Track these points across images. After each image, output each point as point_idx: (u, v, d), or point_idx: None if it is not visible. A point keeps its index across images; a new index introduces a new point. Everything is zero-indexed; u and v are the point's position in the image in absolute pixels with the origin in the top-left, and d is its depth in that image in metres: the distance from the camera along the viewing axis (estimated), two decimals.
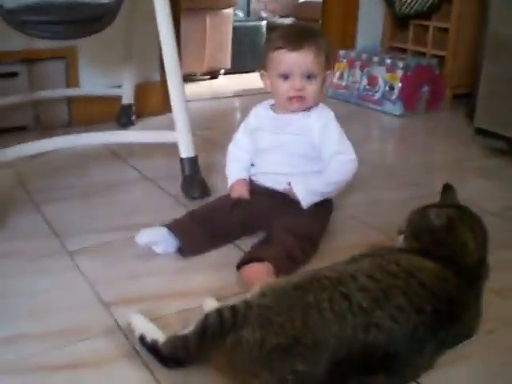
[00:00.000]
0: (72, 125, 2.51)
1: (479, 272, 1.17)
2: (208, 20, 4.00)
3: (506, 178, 2.07)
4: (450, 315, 1.06)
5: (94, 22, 1.69)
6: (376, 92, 2.94)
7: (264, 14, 6.40)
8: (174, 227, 1.44)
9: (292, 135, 1.50)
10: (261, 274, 1.27)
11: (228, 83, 4.02)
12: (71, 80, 2.49)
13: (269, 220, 1.46)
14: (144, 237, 1.41)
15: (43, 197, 1.78)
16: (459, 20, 2.91)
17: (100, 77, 2.54)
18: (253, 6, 6.73)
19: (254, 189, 1.57)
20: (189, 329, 1.04)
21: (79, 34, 1.71)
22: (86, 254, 1.45)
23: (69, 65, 2.48)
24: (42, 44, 2.31)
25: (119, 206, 1.75)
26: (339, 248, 1.47)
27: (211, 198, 1.69)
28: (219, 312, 1.03)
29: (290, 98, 1.48)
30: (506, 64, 2.21)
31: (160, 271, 1.39)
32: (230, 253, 1.46)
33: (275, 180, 1.53)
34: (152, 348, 1.06)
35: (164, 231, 1.43)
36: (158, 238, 1.43)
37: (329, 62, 1.52)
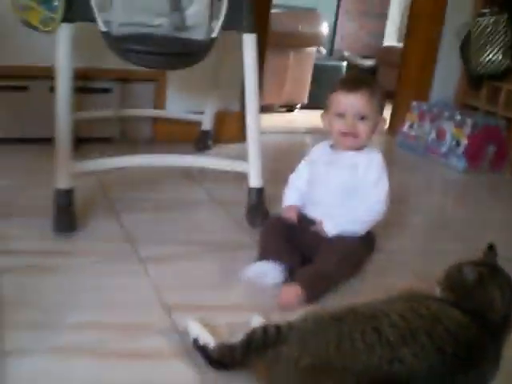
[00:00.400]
0: (154, 142, 2.72)
1: (503, 327, 1.28)
2: (291, 56, 4.20)
3: None
4: (468, 360, 1.17)
5: (189, 56, 1.89)
6: (443, 146, 3.04)
7: (346, 54, 6.57)
8: (274, 254, 1.59)
9: (341, 169, 1.68)
10: (290, 296, 1.46)
11: (302, 118, 4.19)
12: (158, 101, 2.72)
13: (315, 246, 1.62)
14: (255, 270, 1.57)
15: (121, 205, 1.98)
16: None
17: (185, 101, 2.76)
18: (336, 45, 6.93)
19: (301, 219, 1.72)
20: (237, 339, 1.20)
21: (175, 66, 1.93)
22: (154, 261, 1.62)
23: (158, 87, 2.70)
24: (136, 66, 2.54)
25: (189, 223, 1.93)
26: (378, 287, 1.58)
27: None
28: (265, 329, 1.19)
29: (344, 134, 1.65)
30: None
31: (220, 284, 1.56)
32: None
33: (320, 211, 1.69)
34: (203, 350, 1.22)
35: (272, 263, 1.57)
36: (266, 269, 1.57)
37: (382, 109, 1.69)
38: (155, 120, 2.73)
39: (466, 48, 3.23)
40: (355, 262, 1.64)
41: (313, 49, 4.44)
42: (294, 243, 1.65)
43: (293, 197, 1.78)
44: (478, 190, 2.79)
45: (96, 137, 2.59)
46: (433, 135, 3.11)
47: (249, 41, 1.91)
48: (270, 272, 1.56)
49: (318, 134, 3.38)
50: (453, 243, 2.00)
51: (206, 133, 2.71)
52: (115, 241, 1.73)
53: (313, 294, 1.49)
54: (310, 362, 1.09)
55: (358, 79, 1.72)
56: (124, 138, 2.70)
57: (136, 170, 2.24)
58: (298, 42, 4.25)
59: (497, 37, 3.09)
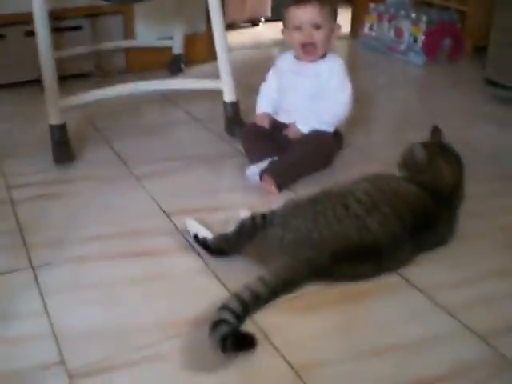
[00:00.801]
0: (128, 72, 2.86)
1: (452, 195, 1.51)
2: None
3: (507, 125, 2.35)
4: (424, 224, 1.42)
5: None
6: (402, 43, 3.21)
7: None
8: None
9: (306, 77, 1.88)
10: (266, 184, 1.73)
11: (267, 31, 4.28)
12: (128, 32, 2.84)
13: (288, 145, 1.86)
14: (253, 170, 1.79)
15: (110, 134, 2.16)
16: None
17: (153, 29, 2.88)
18: None
19: (274, 125, 1.94)
20: (230, 229, 1.42)
21: None
22: (149, 177, 1.83)
23: (126, 19, 2.82)
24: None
25: (174, 141, 2.13)
26: (348, 176, 1.74)
27: None
28: (252, 217, 1.42)
29: (303, 46, 1.84)
30: None
31: (210, 190, 1.78)
32: None
33: (291, 116, 1.90)
34: (203, 243, 1.45)
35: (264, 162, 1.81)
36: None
37: (335, 16, 1.87)
38: (127, 51, 2.86)
39: None
40: (326, 153, 1.87)
41: None
42: (271, 143, 1.87)
43: (264, 104, 1.98)
44: (437, 81, 2.99)
45: (73, 73, 2.72)
46: (391, 34, 3.27)
47: None
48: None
49: (284, 46, 3.53)
50: (414, 132, 2.19)
51: (177, 56, 2.85)
52: (111, 165, 1.92)
53: (282, 181, 1.75)
54: (293, 237, 1.33)
55: None
56: (100, 72, 2.84)
57: (116, 100, 2.38)
58: None
59: None
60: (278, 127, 1.92)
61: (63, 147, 1.93)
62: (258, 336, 1.14)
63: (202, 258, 1.43)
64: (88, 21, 2.75)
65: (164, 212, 1.64)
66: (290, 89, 1.92)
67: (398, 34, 3.24)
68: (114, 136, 2.14)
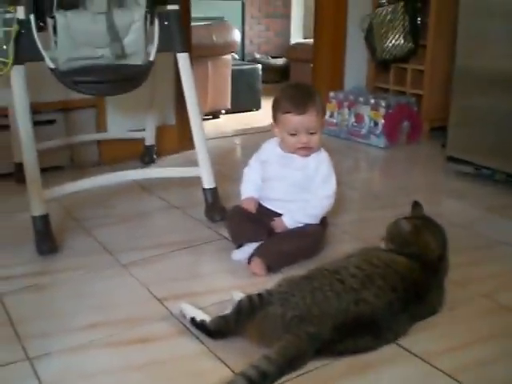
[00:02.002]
0: (101, 164, 2.90)
1: (440, 266, 1.57)
2: (210, 66, 4.43)
3: (473, 197, 2.47)
4: (416, 294, 1.46)
5: (132, 80, 2.09)
6: (362, 128, 3.37)
7: (257, 56, 6.88)
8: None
9: (294, 170, 1.89)
10: (257, 266, 1.75)
11: (229, 122, 4.43)
12: (100, 125, 2.90)
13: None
14: (240, 255, 1.83)
15: (90, 224, 2.17)
16: (433, 62, 3.37)
17: (125, 122, 2.95)
18: (247, 48, 7.23)
19: (260, 211, 1.95)
20: (227, 311, 1.43)
21: (119, 91, 2.12)
22: (136, 265, 1.83)
23: (98, 112, 2.89)
24: (76, 95, 2.71)
25: (156, 228, 2.16)
26: (335, 255, 1.84)
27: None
28: (249, 297, 1.43)
29: (299, 149, 1.87)
30: (472, 96, 2.63)
31: (199, 274, 1.79)
32: None
33: (277, 205, 1.93)
34: (201, 326, 1.45)
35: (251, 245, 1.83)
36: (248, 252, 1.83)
37: (323, 113, 1.91)
38: (100, 143, 2.91)
39: (371, 37, 3.57)
40: (316, 242, 1.89)
41: (228, 56, 4.68)
42: (258, 226, 1.89)
43: (249, 189, 1.99)
44: (400, 162, 3.13)
45: (47, 166, 2.72)
46: (352, 120, 3.43)
47: (183, 59, 2.15)
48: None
49: (246, 135, 3.65)
50: (385, 210, 2.29)
51: (149, 147, 2.91)
52: (95, 254, 1.92)
53: (272, 263, 1.77)
54: (293, 314, 1.34)
55: (304, 97, 1.84)
56: (74, 165, 2.86)
57: (93, 191, 2.41)
58: (214, 51, 4.49)
59: (396, 23, 3.45)
60: (263, 212, 1.94)
61: (46, 238, 1.92)
62: None
63: (201, 341, 1.43)
64: (61, 115, 2.80)
65: (155, 298, 1.64)
66: (275, 179, 1.93)
67: (359, 119, 3.39)
68: (94, 226, 2.15)
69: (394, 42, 3.47)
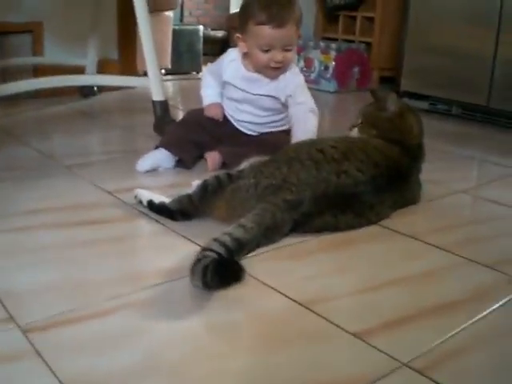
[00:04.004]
0: (37, 95, 2.65)
1: (419, 153, 1.46)
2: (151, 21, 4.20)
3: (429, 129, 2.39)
4: (399, 174, 1.34)
5: None
6: (312, 73, 3.25)
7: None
8: (171, 146, 1.63)
9: (263, 97, 1.66)
10: (212, 159, 1.59)
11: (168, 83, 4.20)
12: (37, 51, 2.65)
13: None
14: (147, 161, 1.60)
15: (29, 138, 1.93)
16: (383, 9, 3.28)
17: (63, 51, 2.71)
18: (186, 19, 7.02)
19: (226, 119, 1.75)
20: (191, 190, 1.27)
21: None
22: (80, 166, 1.63)
23: (35, 37, 2.63)
24: (11, 18, 2.48)
25: (100, 140, 1.95)
26: None
27: None
28: (216, 176, 1.28)
29: (270, 68, 1.60)
30: (427, 31, 2.57)
31: (150, 173, 1.60)
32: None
33: (246, 127, 1.73)
34: (161, 207, 1.27)
35: (164, 152, 1.61)
36: (161, 160, 1.61)
37: (300, 27, 1.62)
38: (36, 71, 2.66)
39: None
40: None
41: (170, 13, 4.48)
42: (212, 135, 1.69)
43: (212, 94, 1.74)
44: (351, 104, 3.02)
45: None
46: (301, 65, 3.31)
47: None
48: (161, 160, 1.61)
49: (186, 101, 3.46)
50: None
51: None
52: (35, 159, 1.70)
53: (231, 160, 1.55)
54: (268, 182, 1.19)
55: (283, 7, 1.55)
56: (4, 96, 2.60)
57: (30, 115, 2.21)
58: (155, 5, 4.27)
59: None
60: (229, 130, 1.72)
61: None
62: (249, 280, 0.98)
63: (161, 223, 1.25)
64: None
65: (105, 190, 1.45)
66: (242, 102, 1.70)
67: (308, 63, 3.28)
68: (34, 140, 1.91)
69: None
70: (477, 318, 0.93)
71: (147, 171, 1.59)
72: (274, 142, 1.59)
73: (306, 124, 1.58)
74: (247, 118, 1.72)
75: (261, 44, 1.57)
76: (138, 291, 0.97)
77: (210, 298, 0.94)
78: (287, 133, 1.70)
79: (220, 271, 0.93)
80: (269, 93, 1.66)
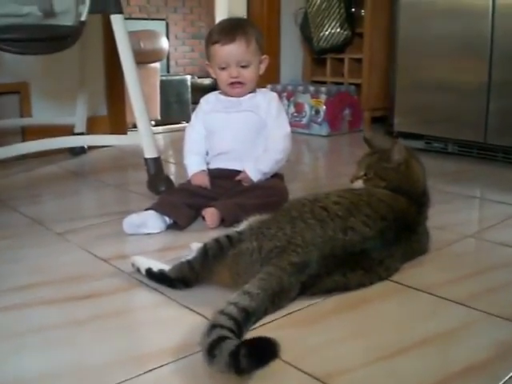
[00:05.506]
0: (26, 156, 2.60)
1: (424, 200, 1.40)
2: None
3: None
4: (407, 225, 1.28)
5: (60, 40, 1.87)
6: (303, 117, 3.23)
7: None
8: (163, 208, 1.57)
9: (244, 112, 1.70)
10: (210, 215, 1.55)
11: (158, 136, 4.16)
12: (25, 112, 2.61)
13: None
14: (133, 220, 1.54)
15: (17, 203, 1.87)
16: (371, 50, 3.29)
17: (51, 110, 2.68)
18: (173, 69, 7.06)
19: (212, 175, 1.72)
20: (191, 256, 1.21)
21: (48, 50, 1.89)
22: (72, 233, 1.57)
23: (22, 98, 2.60)
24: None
25: (92, 203, 1.92)
26: None
27: None
28: (216, 239, 1.21)
29: (231, 84, 1.69)
30: (417, 69, 2.56)
31: (145, 235, 1.54)
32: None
33: (228, 159, 1.71)
34: (160, 276, 1.21)
35: (152, 212, 1.56)
36: (147, 220, 1.55)
37: (262, 48, 1.71)
38: (25, 132, 2.62)
39: (306, 27, 3.47)
40: (280, 196, 1.65)
41: (157, 64, 4.49)
42: (207, 197, 1.65)
43: (196, 162, 1.74)
44: (345, 147, 3.00)
45: None
46: (292, 110, 3.28)
47: (117, 21, 1.94)
48: (149, 221, 1.55)
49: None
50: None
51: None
52: (24, 226, 1.65)
53: (229, 215, 1.54)
54: (272, 245, 1.13)
55: (232, 26, 1.68)
56: None
57: (18, 177, 2.16)
58: (142, 58, 4.28)
59: (332, 11, 3.37)
60: (216, 181, 1.70)
61: None
62: None
63: (161, 292, 1.19)
64: None
65: (99, 258, 1.39)
66: (223, 128, 1.72)
67: (299, 108, 3.26)
68: (23, 204, 1.85)
69: (330, 30, 3.39)
70: (504, 380, 0.86)
71: (135, 233, 1.53)
72: (270, 187, 1.67)
73: (277, 148, 1.69)
74: (227, 148, 1.72)
75: (218, 62, 1.68)
76: (142, 375, 0.90)
77: (222, 375, 0.87)
78: (280, 178, 1.76)
79: (254, 352, 0.84)
80: (249, 108, 1.71)
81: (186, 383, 0.88)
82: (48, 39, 1.86)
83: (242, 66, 1.68)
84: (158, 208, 1.57)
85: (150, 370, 0.91)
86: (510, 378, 0.87)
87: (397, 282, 1.22)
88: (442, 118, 2.53)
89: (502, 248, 1.44)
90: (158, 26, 6.57)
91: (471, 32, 2.38)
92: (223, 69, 1.68)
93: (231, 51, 1.66)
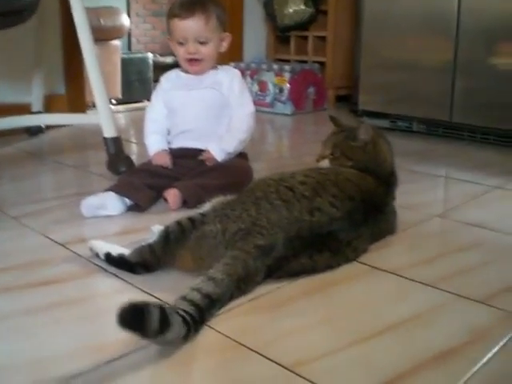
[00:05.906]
0: None
1: (391, 180, 1.38)
2: (98, 51, 4.09)
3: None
4: (374, 206, 1.26)
5: (16, 14, 1.79)
6: (267, 96, 3.18)
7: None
8: (122, 189, 1.52)
9: (205, 89, 1.66)
10: (172, 196, 1.51)
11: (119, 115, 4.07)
12: None
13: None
14: (91, 202, 1.48)
15: None
16: (335, 28, 3.25)
17: (7, 86, 2.57)
18: (134, 47, 6.92)
19: (174, 154, 1.68)
20: (152, 239, 1.16)
21: (2, 26, 1.80)
22: (28, 216, 1.50)
23: None
24: None
25: (49, 184, 1.84)
26: None
27: None
28: (178, 222, 1.17)
29: (188, 61, 1.65)
30: (382, 47, 2.53)
31: (105, 218, 1.49)
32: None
33: (190, 137, 1.67)
34: (119, 260, 1.16)
35: (111, 194, 1.50)
36: (106, 202, 1.49)
37: (223, 25, 1.68)
38: None
39: (270, 5, 3.41)
40: (245, 176, 1.63)
41: (117, 42, 4.37)
42: (169, 177, 1.61)
43: (156, 141, 1.69)
44: (310, 126, 2.96)
45: None
46: (256, 89, 3.23)
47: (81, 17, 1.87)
48: (108, 203, 1.50)
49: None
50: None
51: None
52: None
53: (192, 196, 1.50)
54: (237, 227, 1.09)
55: (191, 2, 1.64)
56: None
57: None
58: (102, 35, 4.16)
59: None
60: (179, 161, 1.66)
61: None
62: (225, 343, 0.88)
63: (120, 278, 1.14)
64: None
65: (56, 242, 1.32)
66: (185, 106, 1.67)
67: (262, 87, 3.21)
68: None
69: (294, 7, 3.33)
70: (478, 365, 0.84)
71: (94, 216, 1.48)
72: (234, 166, 1.64)
73: (241, 127, 1.66)
74: (190, 126, 1.67)
75: (176, 37, 1.64)
76: (101, 366, 0.85)
77: (184, 366, 0.83)
78: (244, 157, 1.73)
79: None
80: (211, 85, 1.67)
81: (147, 373, 0.84)
82: (3, 14, 1.77)
83: (201, 43, 1.64)
84: (118, 189, 1.52)
85: (110, 361, 0.86)
86: (486, 361, 0.85)
87: (365, 264, 1.19)
88: (408, 96, 2.51)
89: (469, 228, 1.43)
90: (119, 3, 6.42)
91: (437, 10, 2.36)
92: (181, 44, 1.65)
93: (190, 26, 1.62)
